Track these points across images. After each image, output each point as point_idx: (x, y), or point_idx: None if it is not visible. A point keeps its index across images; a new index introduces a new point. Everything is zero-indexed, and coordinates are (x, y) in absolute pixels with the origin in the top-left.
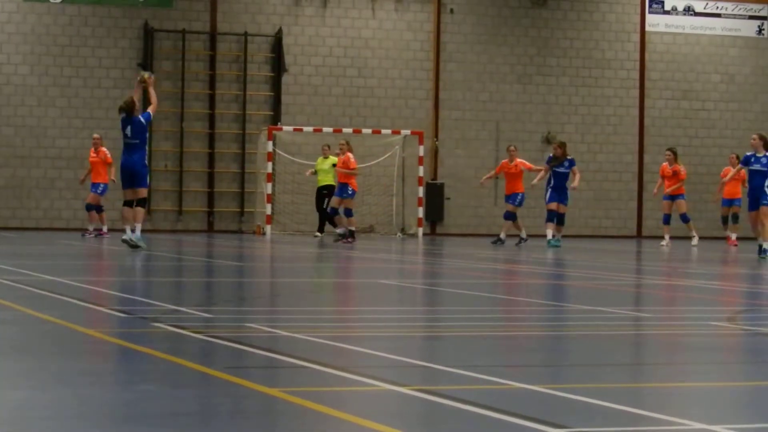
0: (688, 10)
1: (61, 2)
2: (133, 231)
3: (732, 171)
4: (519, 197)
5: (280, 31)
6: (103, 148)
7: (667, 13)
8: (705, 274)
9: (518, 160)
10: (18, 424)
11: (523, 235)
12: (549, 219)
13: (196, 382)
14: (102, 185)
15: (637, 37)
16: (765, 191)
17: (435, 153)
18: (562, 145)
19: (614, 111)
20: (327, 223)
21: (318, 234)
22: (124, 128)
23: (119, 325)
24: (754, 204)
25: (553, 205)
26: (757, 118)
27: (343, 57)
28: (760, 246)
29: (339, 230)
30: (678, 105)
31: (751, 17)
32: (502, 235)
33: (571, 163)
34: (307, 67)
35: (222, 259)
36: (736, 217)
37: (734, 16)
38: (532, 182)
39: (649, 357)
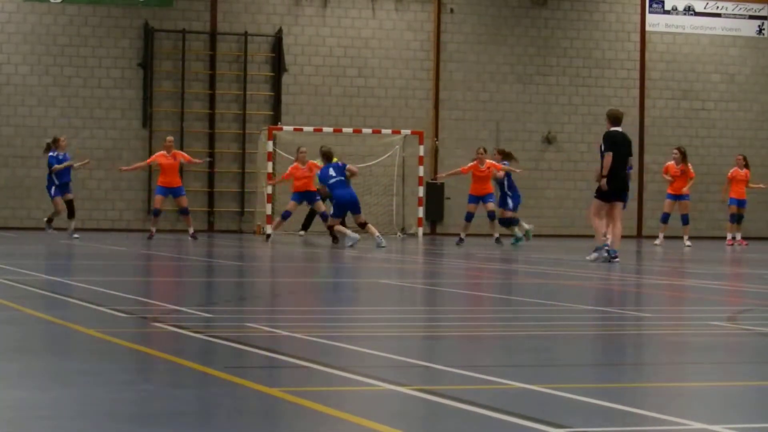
0: (689, 10)
1: (61, 2)
2: None
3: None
4: (493, 197)
5: (280, 30)
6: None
7: (667, 12)
8: (705, 274)
9: (488, 161)
10: (18, 424)
11: (497, 234)
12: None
13: (196, 382)
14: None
15: (637, 37)
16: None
17: (435, 153)
18: (502, 152)
19: None
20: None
21: (302, 232)
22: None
23: (119, 325)
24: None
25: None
26: (757, 118)
27: (343, 57)
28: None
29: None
30: (678, 105)
31: (751, 17)
32: (497, 234)
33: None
34: (307, 67)
35: (222, 259)
36: (740, 218)
37: (734, 16)
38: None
39: (649, 357)
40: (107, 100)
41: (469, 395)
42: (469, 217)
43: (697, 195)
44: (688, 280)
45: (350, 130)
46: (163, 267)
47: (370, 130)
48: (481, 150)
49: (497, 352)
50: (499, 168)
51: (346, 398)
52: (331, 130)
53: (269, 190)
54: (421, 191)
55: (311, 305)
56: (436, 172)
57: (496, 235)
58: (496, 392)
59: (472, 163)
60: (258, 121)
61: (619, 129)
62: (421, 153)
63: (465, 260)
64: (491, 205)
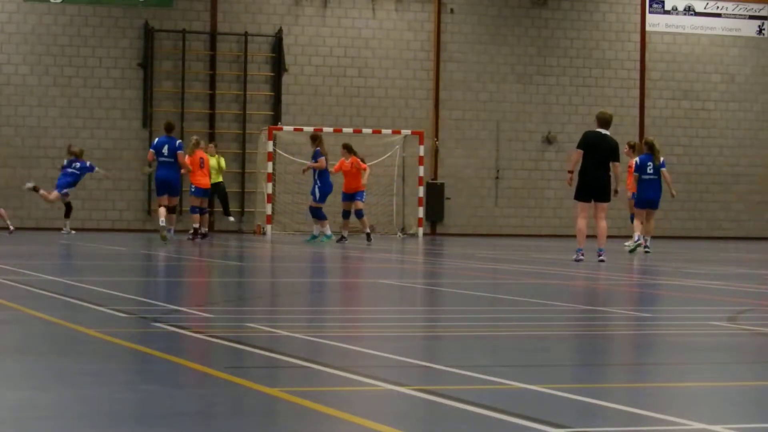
0: (689, 10)
1: (61, 2)
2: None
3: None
4: (363, 194)
5: (280, 31)
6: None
7: (668, 12)
8: (705, 274)
9: (353, 158)
10: (18, 424)
11: (346, 234)
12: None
13: (196, 382)
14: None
15: (637, 37)
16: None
17: (435, 153)
18: (315, 137)
19: (614, 111)
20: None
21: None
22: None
23: (119, 325)
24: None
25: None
26: (757, 117)
27: (343, 57)
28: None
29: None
30: (678, 105)
31: (752, 17)
32: (345, 233)
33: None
34: (308, 67)
35: (222, 259)
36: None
37: (734, 16)
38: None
39: (649, 357)
40: (107, 100)
41: (469, 395)
42: (346, 214)
43: (697, 195)
44: (688, 280)
45: (350, 130)
46: (163, 267)
47: (370, 130)
48: (343, 147)
49: (497, 352)
50: (364, 167)
51: (346, 398)
52: (331, 130)
53: (269, 189)
54: (421, 191)
55: (311, 305)
56: (435, 172)
57: (367, 230)
58: (496, 392)
59: (342, 159)
60: (258, 121)
61: (602, 131)
62: (421, 153)
63: (465, 260)
64: (360, 204)
